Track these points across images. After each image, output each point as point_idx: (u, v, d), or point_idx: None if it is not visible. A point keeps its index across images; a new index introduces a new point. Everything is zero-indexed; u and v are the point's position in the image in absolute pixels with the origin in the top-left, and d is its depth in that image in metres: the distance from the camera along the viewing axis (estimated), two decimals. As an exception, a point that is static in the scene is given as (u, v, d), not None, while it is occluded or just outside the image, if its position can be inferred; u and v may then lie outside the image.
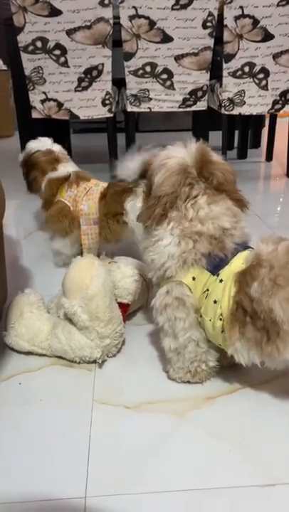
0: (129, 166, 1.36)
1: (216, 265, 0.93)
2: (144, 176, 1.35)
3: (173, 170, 0.94)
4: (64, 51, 2.09)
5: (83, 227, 1.51)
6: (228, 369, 1.06)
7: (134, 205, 1.39)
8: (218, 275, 0.92)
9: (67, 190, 1.53)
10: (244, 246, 0.96)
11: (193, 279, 0.94)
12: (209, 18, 2.07)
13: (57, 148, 1.66)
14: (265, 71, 2.26)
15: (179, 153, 0.96)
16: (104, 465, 0.85)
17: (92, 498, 0.79)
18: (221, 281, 0.92)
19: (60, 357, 1.12)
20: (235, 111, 2.34)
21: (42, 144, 1.66)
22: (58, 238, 1.57)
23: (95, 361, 1.10)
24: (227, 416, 0.95)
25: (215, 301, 0.92)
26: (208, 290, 0.93)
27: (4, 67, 3.85)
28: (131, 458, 0.86)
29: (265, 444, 0.88)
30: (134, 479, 0.82)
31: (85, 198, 1.49)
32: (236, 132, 3.08)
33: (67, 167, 1.60)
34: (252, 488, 0.80)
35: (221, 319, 0.92)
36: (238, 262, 0.92)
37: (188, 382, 1.03)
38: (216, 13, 2.07)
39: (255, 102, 2.33)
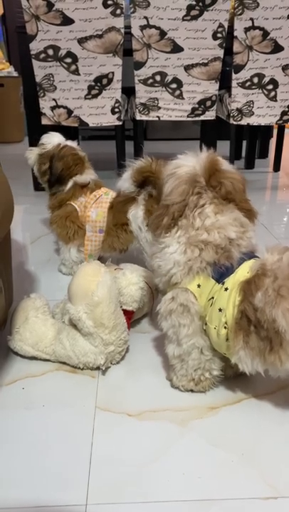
0: (124, 178, 1.38)
1: (221, 273, 0.93)
2: (143, 185, 1.37)
3: (182, 179, 0.95)
4: (75, 59, 2.12)
5: (88, 234, 1.51)
6: (232, 379, 1.06)
7: (135, 214, 1.41)
8: (223, 283, 0.93)
9: (80, 196, 1.52)
10: (250, 255, 0.96)
11: (199, 286, 0.94)
12: (219, 30, 2.09)
13: (75, 145, 1.57)
14: (274, 82, 2.27)
15: (189, 162, 0.96)
16: (106, 472, 0.84)
17: (92, 505, 0.78)
18: (226, 289, 0.92)
19: (63, 362, 1.12)
20: (244, 121, 2.36)
21: (59, 138, 1.56)
22: (61, 244, 1.58)
23: (98, 368, 1.10)
24: (230, 426, 0.95)
25: (220, 310, 0.92)
26: (213, 298, 0.93)
27: (15, 74, 3.90)
28: (132, 466, 0.86)
29: (269, 456, 0.87)
30: (135, 487, 0.81)
31: (94, 205, 1.49)
32: (244, 142, 3.09)
33: (90, 171, 1.56)
34: (254, 500, 0.79)
35: (225, 328, 0.92)
36: (244, 271, 0.92)
37: (192, 390, 1.03)
38: (226, 24, 2.09)
39: (264, 113, 2.34)
